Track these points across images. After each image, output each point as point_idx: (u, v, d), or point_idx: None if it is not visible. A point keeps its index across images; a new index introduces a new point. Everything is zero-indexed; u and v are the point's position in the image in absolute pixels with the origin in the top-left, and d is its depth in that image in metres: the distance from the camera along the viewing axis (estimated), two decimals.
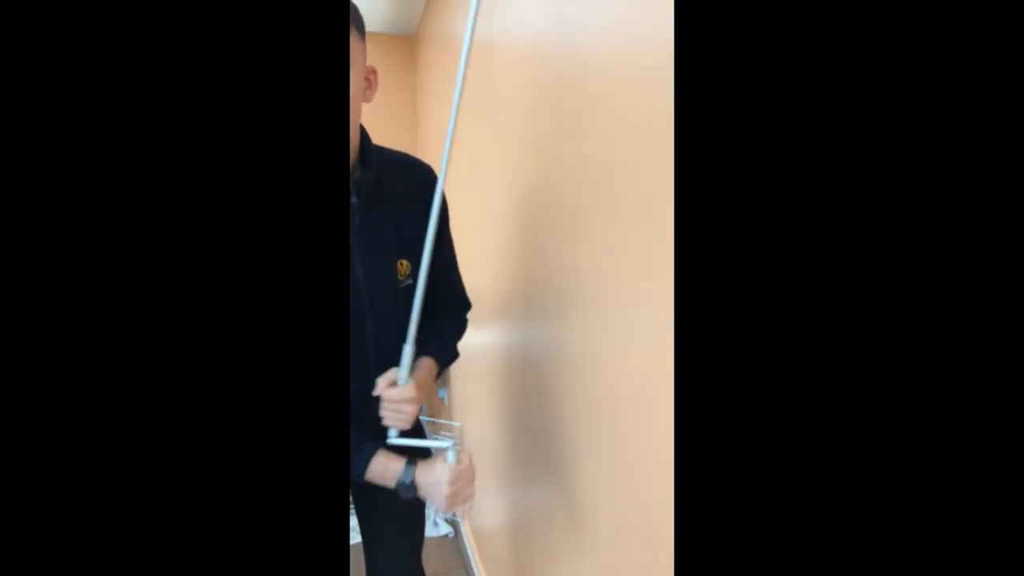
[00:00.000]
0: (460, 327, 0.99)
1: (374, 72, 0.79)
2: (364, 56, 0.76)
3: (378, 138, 0.85)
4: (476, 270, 1.01)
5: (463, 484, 0.78)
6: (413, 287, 0.85)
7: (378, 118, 0.90)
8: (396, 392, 0.77)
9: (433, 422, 2.23)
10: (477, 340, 1.43)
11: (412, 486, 0.78)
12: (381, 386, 0.78)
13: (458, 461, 0.77)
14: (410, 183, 0.87)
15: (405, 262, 0.85)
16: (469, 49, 0.65)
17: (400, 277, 0.84)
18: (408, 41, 2.51)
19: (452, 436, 1.98)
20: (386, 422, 0.79)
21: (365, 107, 0.82)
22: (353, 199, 0.79)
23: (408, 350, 0.77)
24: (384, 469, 0.80)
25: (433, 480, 0.77)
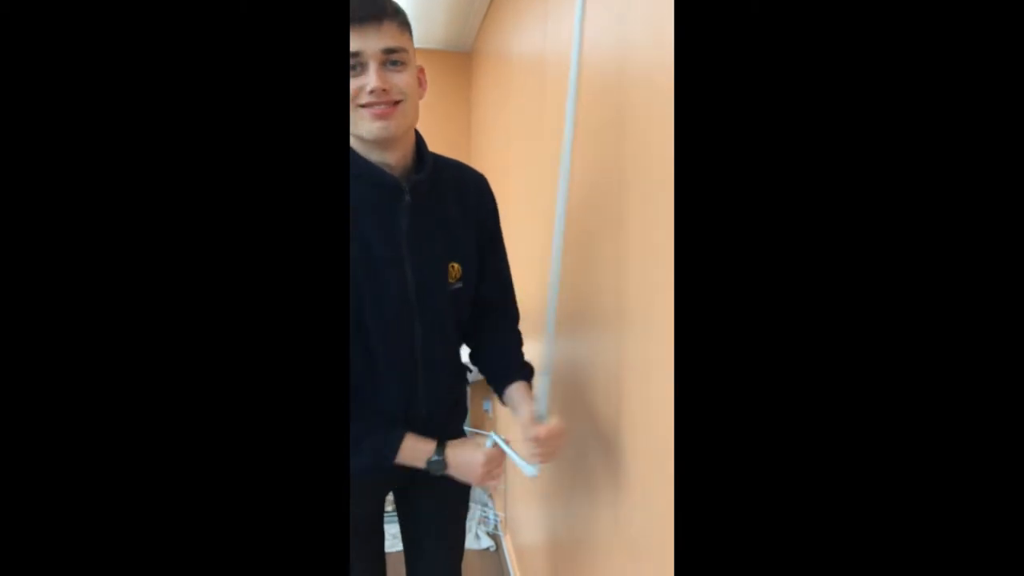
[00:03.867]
0: (521, 341, 0.99)
1: (423, 71, 0.81)
2: (415, 56, 0.78)
3: (433, 149, 0.87)
4: (520, 283, 1.01)
5: (494, 465, 0.86)
6: (463, 291, 0.85)
7: (434, 131, 0.93)
8: (554, 428, 0.79)
9: (478, 434, 2.24)
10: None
11: (443, 463, 0.83)
12: (529, 424, 0.80)
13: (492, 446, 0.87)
14: (463, 188, 0.88)
15: (456, 265, 0.85)
16: (578, 66, 0.65)
17: (451, 280, 0.85)
18: (465, 57, 2.56)
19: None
20: (539, 458, 0.80)
21: (420, 121, 0.84)
22: (407, 198, 0.80)
23: (545, 380, 0.77)
24: (414, 450, 0.82)
25: (465, 460, 0.83)
